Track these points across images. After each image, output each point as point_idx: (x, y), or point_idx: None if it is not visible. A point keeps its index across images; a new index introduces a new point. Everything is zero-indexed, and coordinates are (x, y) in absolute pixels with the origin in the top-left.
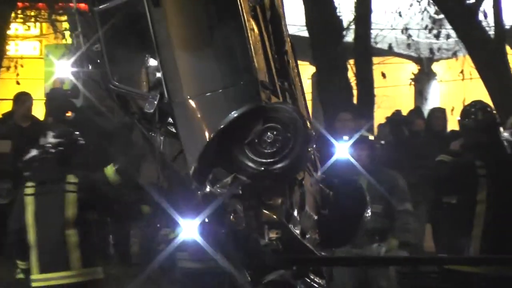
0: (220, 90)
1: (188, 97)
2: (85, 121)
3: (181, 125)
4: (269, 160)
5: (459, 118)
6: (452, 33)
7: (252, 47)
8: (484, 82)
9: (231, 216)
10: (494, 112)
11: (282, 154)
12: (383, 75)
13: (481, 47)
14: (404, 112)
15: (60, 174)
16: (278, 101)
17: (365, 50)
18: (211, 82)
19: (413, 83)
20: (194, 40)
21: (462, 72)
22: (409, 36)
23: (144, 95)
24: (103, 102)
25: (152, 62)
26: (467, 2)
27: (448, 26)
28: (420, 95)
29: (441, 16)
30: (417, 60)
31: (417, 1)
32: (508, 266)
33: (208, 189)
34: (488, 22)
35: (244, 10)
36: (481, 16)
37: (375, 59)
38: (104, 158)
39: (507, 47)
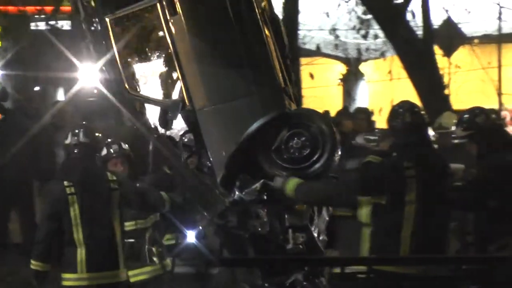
0: (245, 98)
1: (213, 105)
2: (14, 123)
3: (207, 132)
4: (300, 166)
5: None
6: (380, 33)
7: (272, 54)
8: (412, 82)
9: (255, 221)
10: (422, 112)
11: (313, 159)
12: (311, 75)
13: (409, 47)
14: (333, 113)
15: (100, 172)
16: (301, 107)
17: (293, 51)
18: (236, 89)
19: (341, 83)
20: (216, 50)
21: (390, 72)
22: (337, 36)
23: (165, 103)
24: (31, 104)
25: (166, 69)
26: (395, 2)
27: (376, 26)
28: (349, 95)
29: (369, 16)
30: (345, 60)
31: (345, 2)
32: (437, 266)
33: (236, 195)
34: (416, 22)
35: (260, 18)
36: (409, 16)
37: (303, 60)
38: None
39: (435, 47)
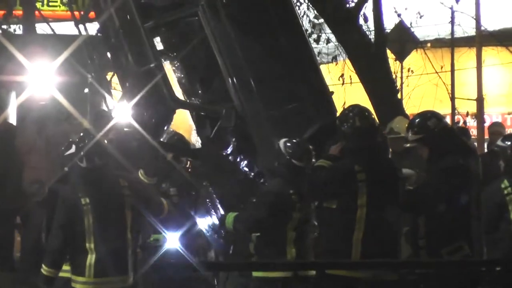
0: (297, 103)
1: (268, 111)
2: None
3: (260, 138)
4: None
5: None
6: (332, 37)
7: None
8: (364, 86)
9: None
10: (373, 116)
11: None
12: None
13: (361, 52)
14: None
15: (113, 180)
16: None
17: None
18: (289, 96)
19: None
20: (266, 58)
21: (342, 76)
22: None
23: (218, 110)
24: None
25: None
26: (347, 6)
27: (328, 30)
28: None
29: (321, 20)
30: None
31: (296, 6)
32: (388, 270)
33: None
34: (368, 26)
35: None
36: (361, 20)
37: None
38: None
39: (388, 51)
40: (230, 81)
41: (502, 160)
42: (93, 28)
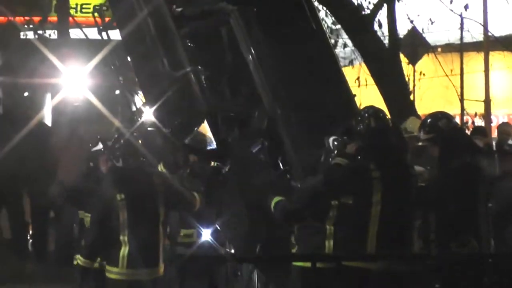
0: (325, 106)
1: (299, 113)
2: (3, 126)
3: (290, 138)
4: None
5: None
6: (349, 42)
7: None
8: (379, 88)
9: None
10: (387, 117)
11: None
12: None
13: (376, 56)
14: None
15: (148, 178)
16: None
17: None
18: (317, 99)
19: None
20: (295, 63)
21: (358, 79)
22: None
23: (251, 114)
24: (19, 109)
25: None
26: (363, 13)
27: (345, 35)
28: None
29: (338, 26)
30: None
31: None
32: (401, 262)
33: None
34: (382, 31)
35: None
36: (376, 26)
37: None
38: None
39: (401, 55)
40: (261, 85)
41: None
42: (116, 34)
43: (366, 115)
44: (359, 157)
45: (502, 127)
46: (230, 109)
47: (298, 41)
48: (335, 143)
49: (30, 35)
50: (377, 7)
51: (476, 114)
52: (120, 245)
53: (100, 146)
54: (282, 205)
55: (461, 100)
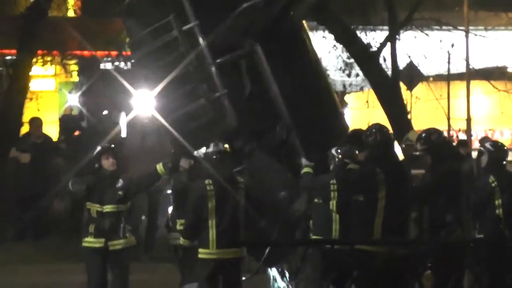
0: (329, 116)
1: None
2: (88, 138)
3: (307, 147)
4: None
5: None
6: (360, 73)
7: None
8: (384, 109)
9: None
10: (390, 132)
11: None
12: None
13: (381, 83)
14: None
15: (231, 175)
16: None
17: None
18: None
19: None
20: (305, 87)
21: (367, 102)
22: (328, 75)
23: (274, 126)
24: (100, 124)
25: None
26: (371, 50)
27: (357, 67)
28: None
29: (352, 60)
30: None
31: (333, 49)
32: (401, 246)
33: None
34: (386, 64)
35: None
36: (381, 60)
37: None
38: None
39: (400, 83)
40: (282, 104)
41: (488, 158)
42: None
43: (374, 130)
44: (367, 163)
45: (483, 140)
46: (257, 124)
47: (308, 68)
48: (338, 151)
49: (108, 66)
50: (382, 45)
51: (459, 130)
52: (209, 230)
53: (99, 148)
54: (308, 179)
55: (448, 118)
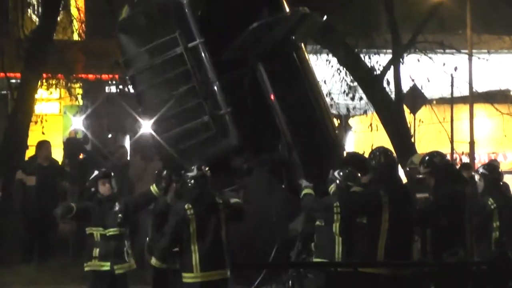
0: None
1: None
2: (92, 161)
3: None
4: None
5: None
6: (363, 96)
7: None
8: (387, 132)
9: None
10: (394, 155)
11: None
12: None
13: (385, 107)
14: None
15: (211, 197)
16: None
17: None
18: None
19: None
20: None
21: (371, 125)
22: (332, 98)
23: (276, 145)
24: (105, 147)
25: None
26: (374, 73)
27: (360, 91)
28: None
29: (355, 83)
30: (337, 116)
31: (338, 73)
32: (403, 268)
33: None
34: (390, 87)
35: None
36: (385, 83)
37: None
38: None
39: (404, 106)
40: (284, 124)
41: (484, 182)
42: None
43: (377, 153)
44: (371, 185)
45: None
46: (260, 143)
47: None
48: (340, 173)
49: (113, 89)
50: (385, 69)
51: (463, 153)
52: (191, 253)
53: (96, 173)
54: (308, 200)
55: (451, 141)
